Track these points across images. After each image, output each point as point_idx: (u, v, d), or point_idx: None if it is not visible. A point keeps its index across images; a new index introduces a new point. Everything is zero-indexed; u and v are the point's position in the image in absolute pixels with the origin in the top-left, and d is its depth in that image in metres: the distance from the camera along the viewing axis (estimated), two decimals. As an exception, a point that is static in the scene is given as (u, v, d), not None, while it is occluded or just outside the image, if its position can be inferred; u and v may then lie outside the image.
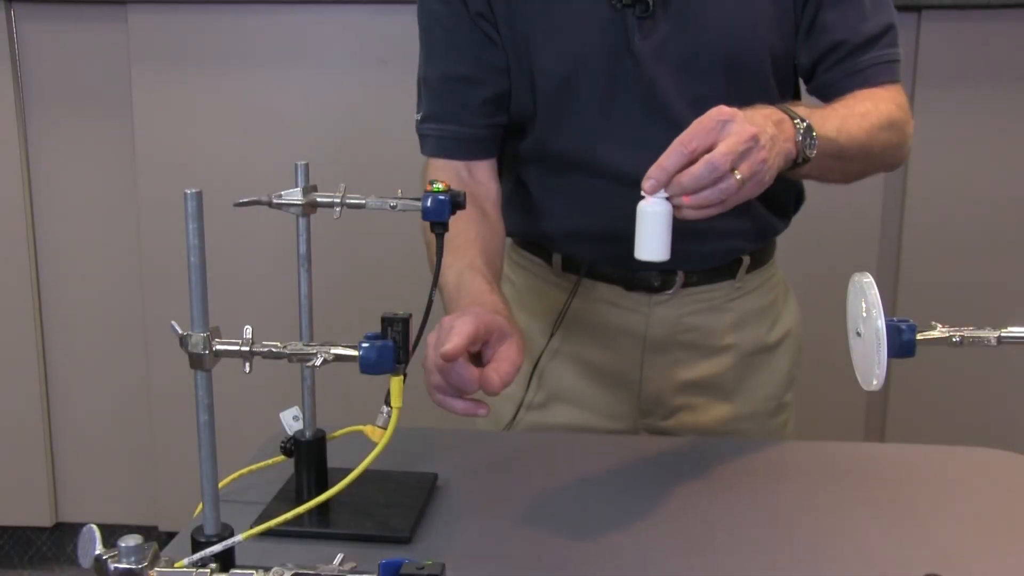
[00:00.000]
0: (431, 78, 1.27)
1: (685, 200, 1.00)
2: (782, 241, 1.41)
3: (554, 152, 1.28)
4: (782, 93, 1.27)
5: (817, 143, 1.09)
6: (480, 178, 1.28)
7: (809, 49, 1.23)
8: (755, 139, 1.00)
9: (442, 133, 1.27)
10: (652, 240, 1.02)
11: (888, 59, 1.24)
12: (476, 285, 1.15)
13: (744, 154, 1.00)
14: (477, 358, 1.05)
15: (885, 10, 1.24)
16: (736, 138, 0.99)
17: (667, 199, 1.00)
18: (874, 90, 1.22)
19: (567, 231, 1.32)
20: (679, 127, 1.21)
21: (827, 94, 1.24)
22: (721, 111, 1.01)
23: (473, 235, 1.20)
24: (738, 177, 0.99)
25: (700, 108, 1.20)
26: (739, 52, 1.21)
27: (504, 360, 1.03)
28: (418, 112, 1.30)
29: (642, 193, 1.02)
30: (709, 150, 0.99)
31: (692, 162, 0.99)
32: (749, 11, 1.19)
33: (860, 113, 1.17)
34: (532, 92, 1.24)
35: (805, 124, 1.09)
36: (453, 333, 0.99)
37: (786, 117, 1.08)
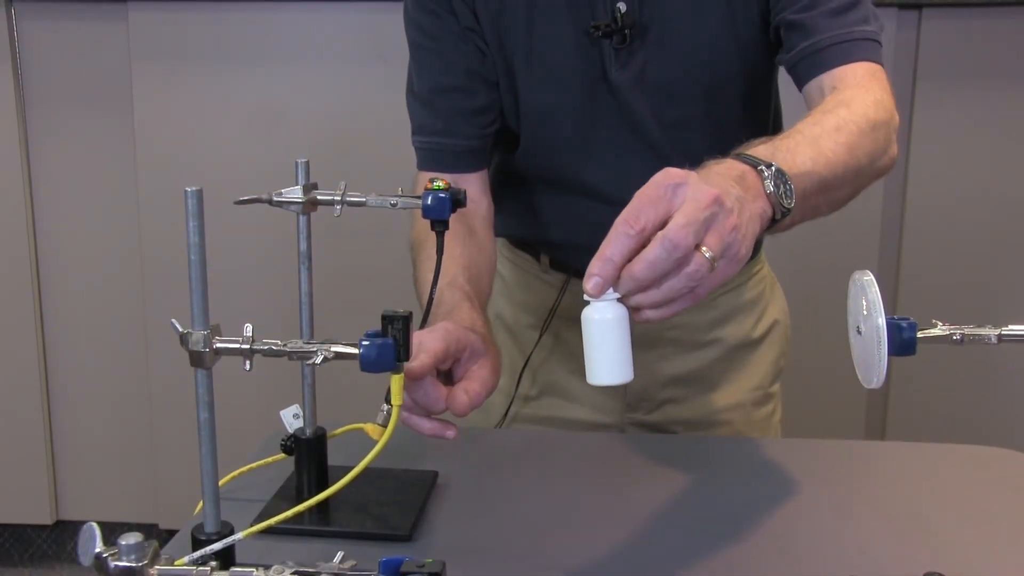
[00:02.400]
0: (421, 91, 1.25)
1: (642, 298, 0.80)
2: (782, 239, 1.41)
3: (539, 169, 1.28)
4: (762, 114, 1.27)
5: (794, 187, 0.89)
6: (470, 194, 1.18)
7: (775, 34, 1.15)
8: (719, 202, 0.79)
9: (431, 146, 1.25)
10: (606, 357, 0.81)
11: (854, 36, 1.09)
12: (455, 302, 1.09)
13: (709, 223, 0.79)
14: (448, 376, 1.01)
15: None
16: (695, 204, 0.78)
17: (619, 299, 0.80)
18: (844, 87, 1.07)
19: (553, 240, 1.32)
20: (660, 151, 1.21)
21: (794, 77, 1.14)
22: (669, 174, 0.81)
23: (458, 253, 1.15)
24: (707, 255, 0.78)
25: (680, 132, 1.20)
26: (717, 78, 1.19)
27: (475, 380, 0.98)
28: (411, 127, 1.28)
29: (585, 297, 0.80)
30: (663, 225, 0.78)
31: (644, 244, 0.79)
32: (726, 36, 1.17)
33: (833, 127, 0.99)
34: (517, 114, 1.24)
35: (773, 169, 0.88)
36: (420, 349, 0.93)
37: (748, 168, 0.88)
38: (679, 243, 0.77)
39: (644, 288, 0.80)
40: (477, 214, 1.25)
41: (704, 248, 0.79)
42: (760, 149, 0.92)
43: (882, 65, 1.11)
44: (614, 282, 0.80)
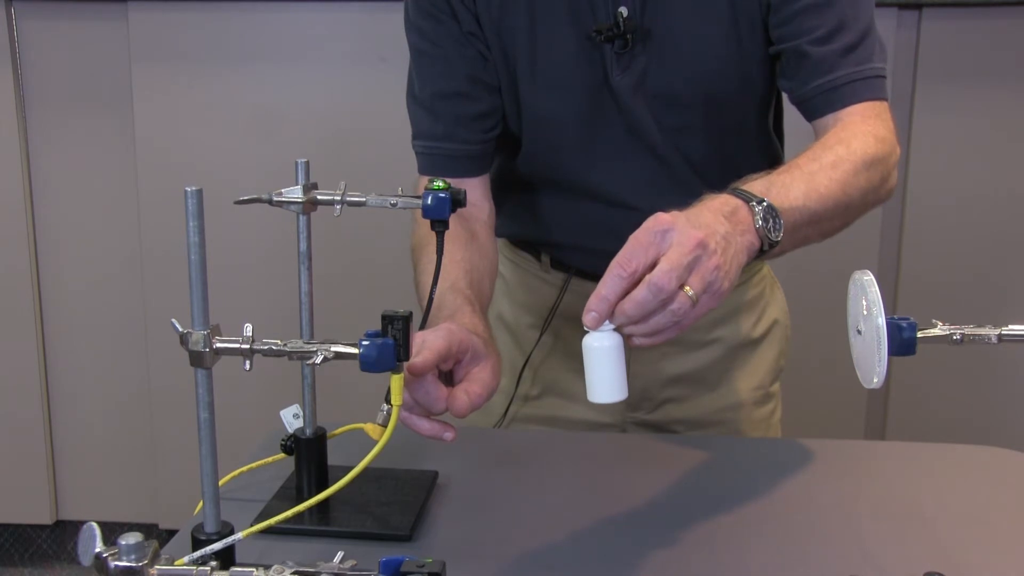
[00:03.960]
0: (422, 96, 1.25)
1: (633, 329, 0.90)
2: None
3: (541, 172, 1.28)
4: (763, 120, 1.27)
5: (783, 221, 0.98)
6: (472, 198, 1.19)
7: (781, 64, 1.18)
8: (702, 246, 0.88)
9: (433, 150, 1.25)
10: (604, 379, 0.90)
11: (865, 75, 1.14)
12: (456, 306, 1.10)
13: (692, 266, 0.88)
14: (448, 378, 1.01)
15: (860, 20, 1.14)
16: (680, 249, 0.88)
17: (615, 330, 0.90)
18: (849, 123, 1.12)
19: (555, 240, 1.32)
20: (661, 155, 1.21)
21: (804, 110, 1.18)
22: (658, 220, 0.90)
23: (459, 257, 1.16)
24: (689, 294, 0.88)
25: (681, 137, 1.21)
26: (718, 86, 1.19)
27: (476, 382, 0.99)
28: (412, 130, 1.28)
29: (585, 327, 0.90)
30: (652, 267, 0.88)
31: (635, 284, 0.88)
32: (728, 43, 1.17)
33: (830, 163, 1.05)
34: (519, 118, 1.24)
35: (764, 205, 0.97)
36: (423, 347, 0.94)
37: (740, 204, 0.96)
38: (663, 287, 0.87)
39: (634, 322, 0.89)
40: (479, 218, 1.25)
41: (687, 288, 0.88)
42: (756, 184, 0.99)
43: (887, 99, 1.16)
44: (609, 316, 0.89)
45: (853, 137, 1.09)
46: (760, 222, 0.95)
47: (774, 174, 1.02)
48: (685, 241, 0.88)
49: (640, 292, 0.87)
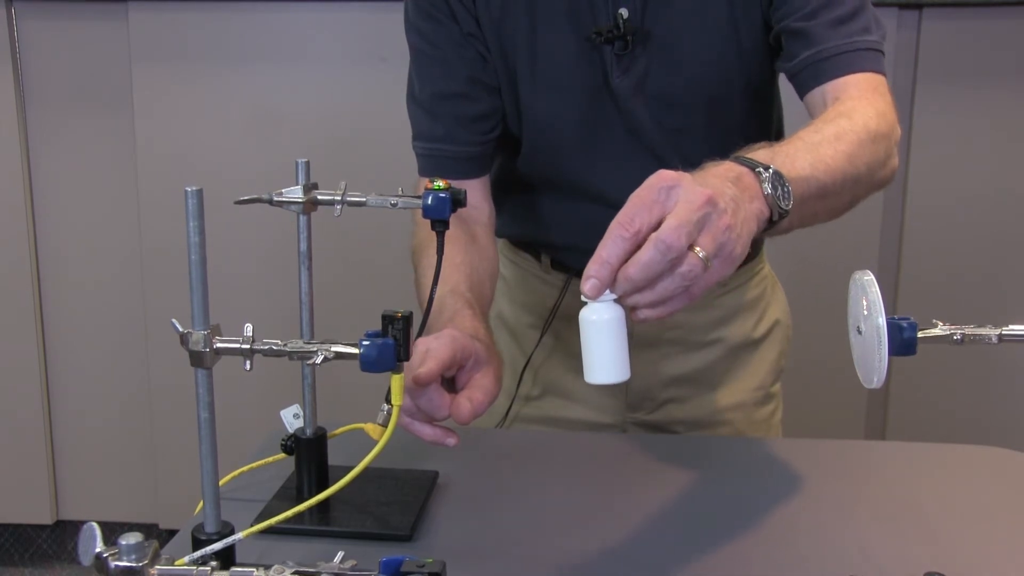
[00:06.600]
0: (422, 97, 1.24)
1: (638, 298, 0.82)
2: (783, 239, 1.41)
3: (541, 173, 1.28)
4: (764, 120, 1.27)
5: (791, 190, 0.91)
6: (472, 200, 1.17)
7: (776, 40, 1.16)
8: (712, 203, 0.81)
9: (433, 152, 1.25)
10: (604, 356, 0.82)
11: (856, 47, 1.10)
12: (456, 309, 1.09)
13: (702, 223, 0.80)
14: (450, 383, 1.01)
15: None
16: (688, 206, 0.80)
17: (616, 300, 0.82)
18: (847, 97, 1.08)
19: (555, 241, 1.32)
20: (662, 156, 1.21)
21: (796, 86, 1.14)
22: (662, 176, 0.83)
23: (459, 260, 1.16)
24: (700, 255, 0.80)
25: (681, 138, 1.20)
26: (718, 85, 1.19)
27: (478, 389, 0.99)
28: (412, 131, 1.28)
29: (582, 298, 0.82)
30: (657, 227, 0.80)
31: (639, 247, 0.80)
32: (728, 44, 1.17)
33: (833, 135, 0.99)
34: (519, 119, 1.24)
35: (771, 172, 0.89)
36: (428, 356, 0.94)
37: (745, 170, 0.89)
38: (672, 244, 0.79)
39: (639, 289, 0.81)
40: (479, 220, 1.25)
41: (698, 248, 0.80)
42: (759, 153, 0.93)
43: (884, 75, 1.12)
44: (611, 284, 0.81)
45: (854, 110, 1.04)
46: (768, 189, 0.89)
47: (776, 145, 0.96)
48: (693, 198, 0.81)
49: (646, 252, 0.79)
